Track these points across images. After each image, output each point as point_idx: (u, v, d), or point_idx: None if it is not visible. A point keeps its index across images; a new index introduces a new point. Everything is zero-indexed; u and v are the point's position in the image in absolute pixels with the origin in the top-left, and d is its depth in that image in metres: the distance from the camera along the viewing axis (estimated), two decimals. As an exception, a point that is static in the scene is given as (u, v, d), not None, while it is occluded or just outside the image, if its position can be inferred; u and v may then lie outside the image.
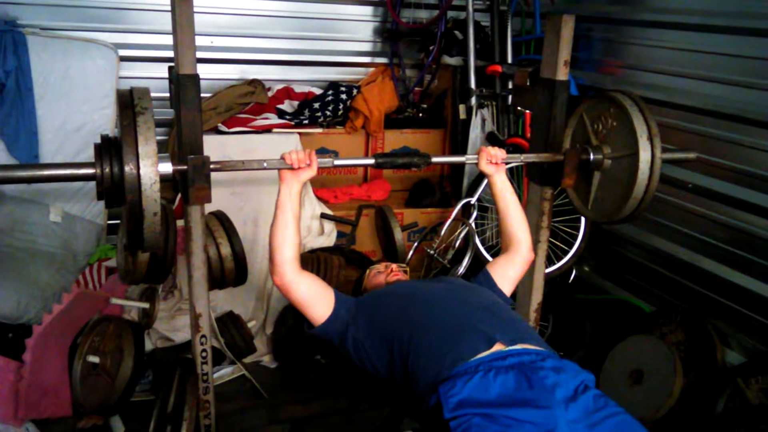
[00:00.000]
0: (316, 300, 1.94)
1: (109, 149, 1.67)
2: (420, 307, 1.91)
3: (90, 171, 1.67)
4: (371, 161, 2.13)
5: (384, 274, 2.26)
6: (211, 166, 1.91)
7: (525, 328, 1.89)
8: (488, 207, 3.68)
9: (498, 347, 1.72)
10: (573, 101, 2.40)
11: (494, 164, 2.17)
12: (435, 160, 2.21)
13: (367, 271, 2.35)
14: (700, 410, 2.69)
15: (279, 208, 1.92)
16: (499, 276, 2.14)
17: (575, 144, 2.37)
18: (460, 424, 1.54)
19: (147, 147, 1.61)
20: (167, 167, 1.80)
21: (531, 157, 2.31)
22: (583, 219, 3.44)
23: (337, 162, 2.06)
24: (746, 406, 2.57)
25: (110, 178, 1.65)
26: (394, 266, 2.30)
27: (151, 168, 1.61)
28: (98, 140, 1.68)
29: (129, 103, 1.66)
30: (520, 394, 1.58)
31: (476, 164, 2.19)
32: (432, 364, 1.74)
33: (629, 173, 2.12)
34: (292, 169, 1.91)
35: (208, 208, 2.30)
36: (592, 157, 2.25)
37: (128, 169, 1.60)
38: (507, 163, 2.23)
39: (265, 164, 1.92)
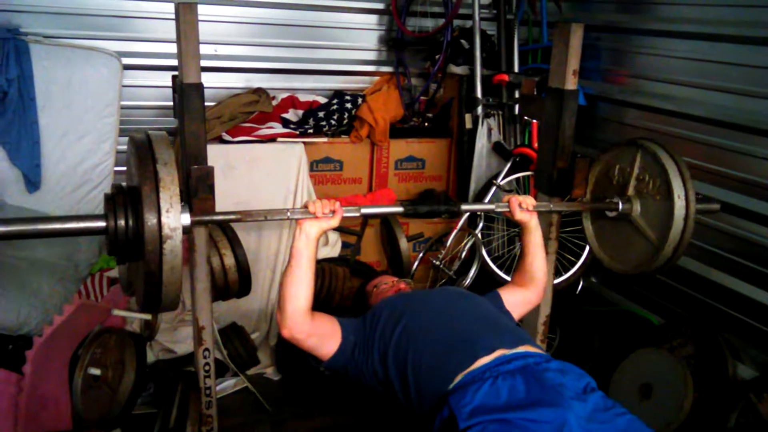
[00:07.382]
0: (325, 341, 1.91)
1: (124, 199, 1.55)
2: (416, 319, 1.89)
3: (101, 224, 1.56)
4: (400, 209, 2.04)
5: (392, 291, 2.23)
6: (232, 217, 1.85)
7: (523, 335, 1.93)
8: (494, 218, 3.65)
9: (500, 352, 1.74)
10: (580, 111, 2.38)
11: (528, 211, 2.14)
12: (464, 207, 2.19)
13: (373, 288, 2.31)
14: (712, 426, 2.64)
15: (294, 256, 1.82)
16: (510, 305, 2.14)
17: (611, 171, 2.33)
18: None
19: (169, 197, 1.49)
20: (186, 219, 1.67)
21: (561, 206, 2.33)
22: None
23: (364, 210, 1.97)
24: (759, 422, 2.52)
25: (125, 232, 1.54)
26: (402, 284, 2.27)
27: (174, 219, 1.49)
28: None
29: (148, 151, 1.56)
30: (531, 395, 1.61)
31: (508, 213, 2.16)
32: (433, 376, 1.75)
33: (643, 253, 2.19)
34: (315, 217, 1.83)
35: (212, 218, 2.27)
36: (620, 207, 2.23)
37: (148, 221, 1.47)
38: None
39: (288, 214, 1.84)
